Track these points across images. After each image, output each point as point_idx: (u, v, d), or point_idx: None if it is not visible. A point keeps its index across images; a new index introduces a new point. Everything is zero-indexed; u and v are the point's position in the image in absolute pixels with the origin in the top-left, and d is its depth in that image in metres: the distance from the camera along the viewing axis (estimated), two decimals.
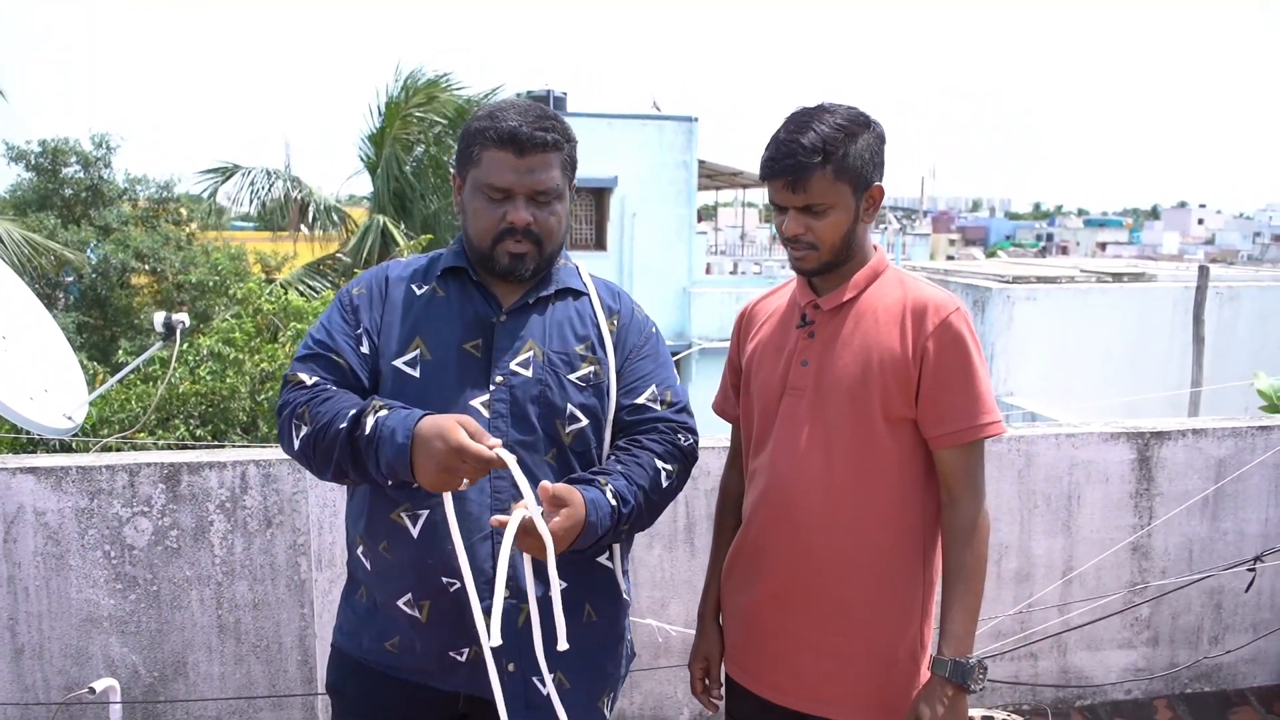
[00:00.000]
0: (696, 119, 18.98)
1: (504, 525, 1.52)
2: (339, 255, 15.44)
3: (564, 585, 1.63)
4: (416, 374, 1.73)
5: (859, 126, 1.74)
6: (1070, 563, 3.42)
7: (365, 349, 1.77)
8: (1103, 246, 58.84)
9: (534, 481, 1.70)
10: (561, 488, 1.60)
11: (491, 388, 1.72)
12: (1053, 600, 3.41)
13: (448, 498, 1.59)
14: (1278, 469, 3.52)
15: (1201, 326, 6.51)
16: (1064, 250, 58.99)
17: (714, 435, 2.89)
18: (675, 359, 2.06)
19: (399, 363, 1.74)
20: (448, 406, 1.70)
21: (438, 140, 15.50)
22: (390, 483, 1.64)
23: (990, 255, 39.99)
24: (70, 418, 3.29)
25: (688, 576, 3.19)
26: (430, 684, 1.76)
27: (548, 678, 1.64)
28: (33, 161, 17.65)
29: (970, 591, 1.74)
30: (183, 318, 3.32)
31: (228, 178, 15.48)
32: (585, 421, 1.77)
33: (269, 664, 3.04)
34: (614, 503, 1.67)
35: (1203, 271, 6.32)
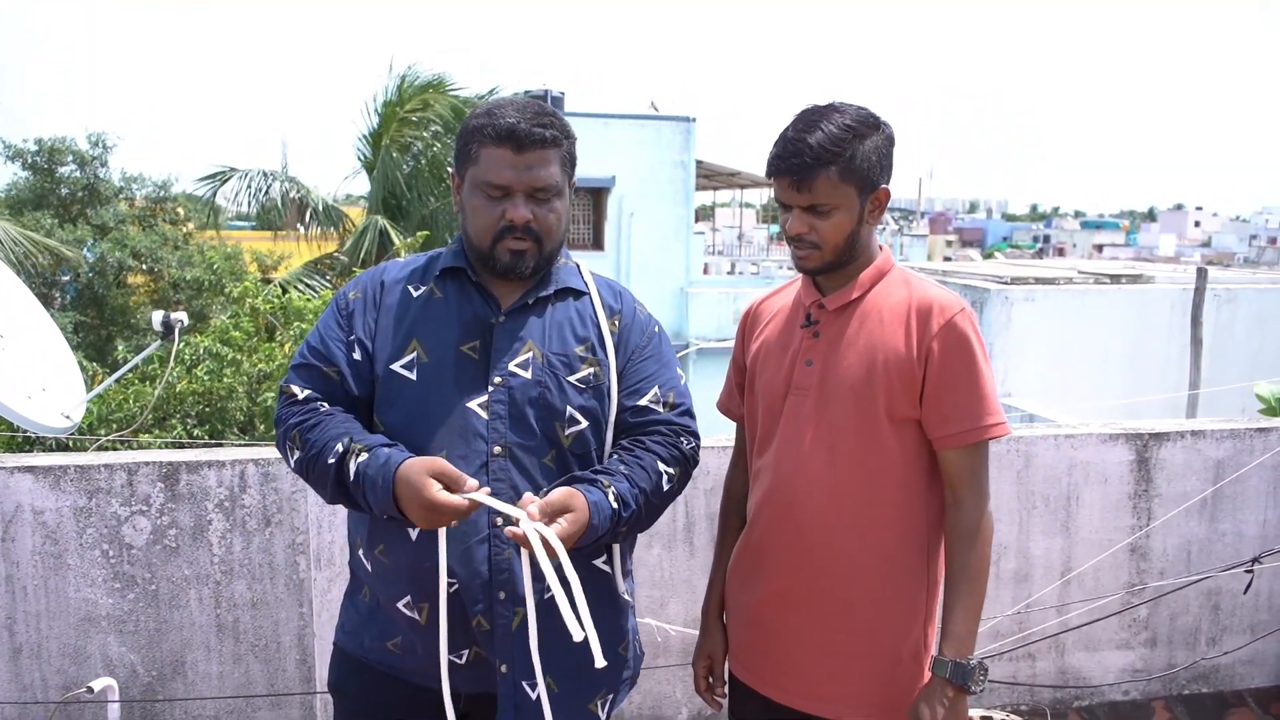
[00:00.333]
0: (694, 119, 19.00)
1: (517, 538, 1.52)
2: (336, 255, 15.43)
3: (548, 593, 1.61)
4: (413, 377, 1.72)
5: (868, 128, 1.73)
6: (1069, 563, 3.42)
7: (358, 356, 1.76)
8: (1099, 248, 58.91)
9: (534, 485, 1.70)
10: (559, 496, 1.59)
11: (490, 389, 1.71)
12: (1051, 601, 3.41)
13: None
14: (1276, 470, 3.52)
15: (1200, 329, 6.51)
16: (1060, 252, 59.07)
17: (713, 435, 2.89)
18: None
19: (396, 367, 1.73)
20: (446, 409, 1.69)
21: (435, 140, 15.48)
22: (386, 517, 1.66)
23: (987, 256, 40.05)
24: (68, 417, 3.28)
25: (687, 576, 3.19)
26: (431, 685, 1.76)
27: (540, 681, 1.63)
28: (29, 160, 17.61)
29: (973, 593, 1.74)
30: (181, 316, 3.32)
31: (224, 182, 15.46)
32: (585, 424, 1.76)
33: (267, 663, 3.04)
34: (615, 505, 1.66)
35: (1201, 273, 6.32)
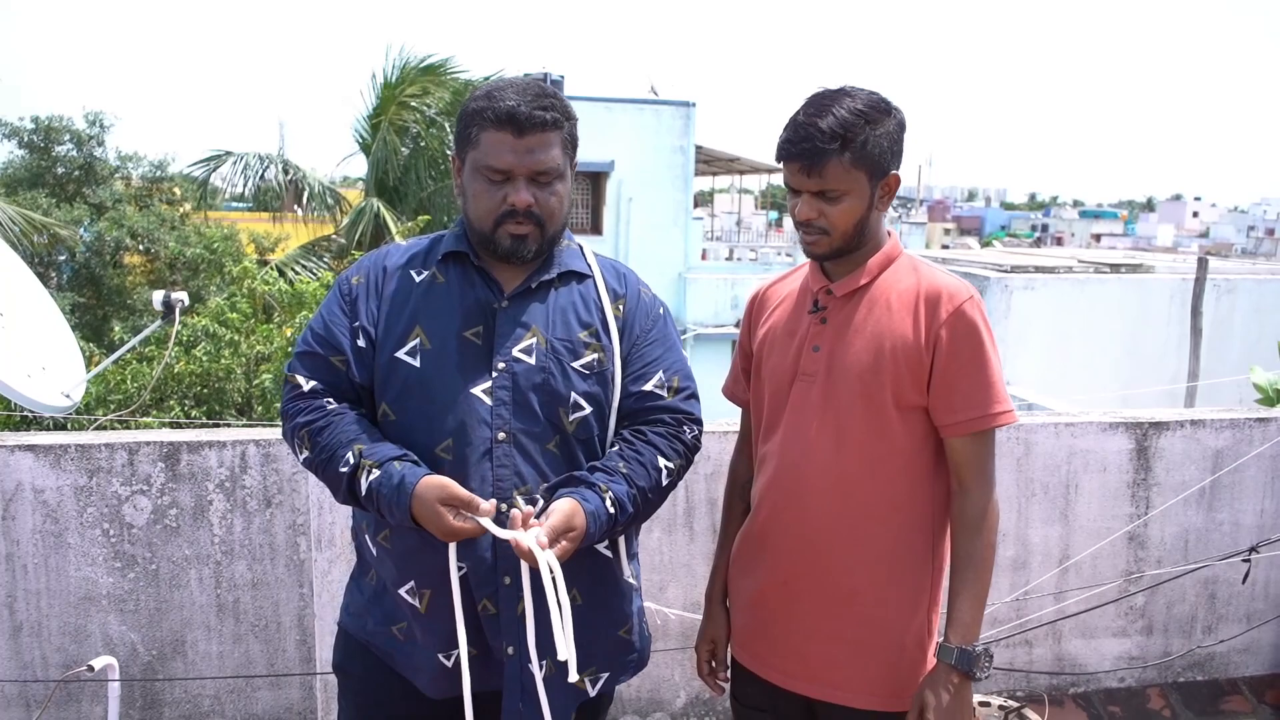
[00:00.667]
0: (694, 104, 18.92)
1: (522, 554, 1.56)
2: (333, 237, 15.38)
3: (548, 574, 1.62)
4: (417, 363, 1.71)
5: (880, 113, 1.72)
6: (1067, 551, 3.43)
7: (362, 343, 1.75)
8: (1097, 238, 58.89)
9: (537, 471, 1.69)
10: (563, 519, 1.60)
11: (494, 375, 1.70)
12: (1049, 588, 3.42)
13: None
14: (1274, 461, 3.53)
15: (1200, 318, 6.51)
16: (1059, 241, 59.05)
17: (715, 420, 2.89)
18: None
19: (400, 354, 1.72)
20: (450, 395, 1.69)
21: (433, 123, 15.42)
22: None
23: (985, 245, 40.03)
24: (68, 396, 3.28)
25: (686, 560, 3.19)
26: (419, 681, 1.77)
27: (536, 662, 1.65)
28: (25, 139, 17.53)
29: (978, 580, 1.74)
30: (182, 296, 3.31)
31: (220, 164, 15.40)
32: (589, 409, 1.75)
33: (267, 643, 3.05)
34: (611, 510, 1.67)
35: (1202, 263, 6.32)
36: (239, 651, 3.03)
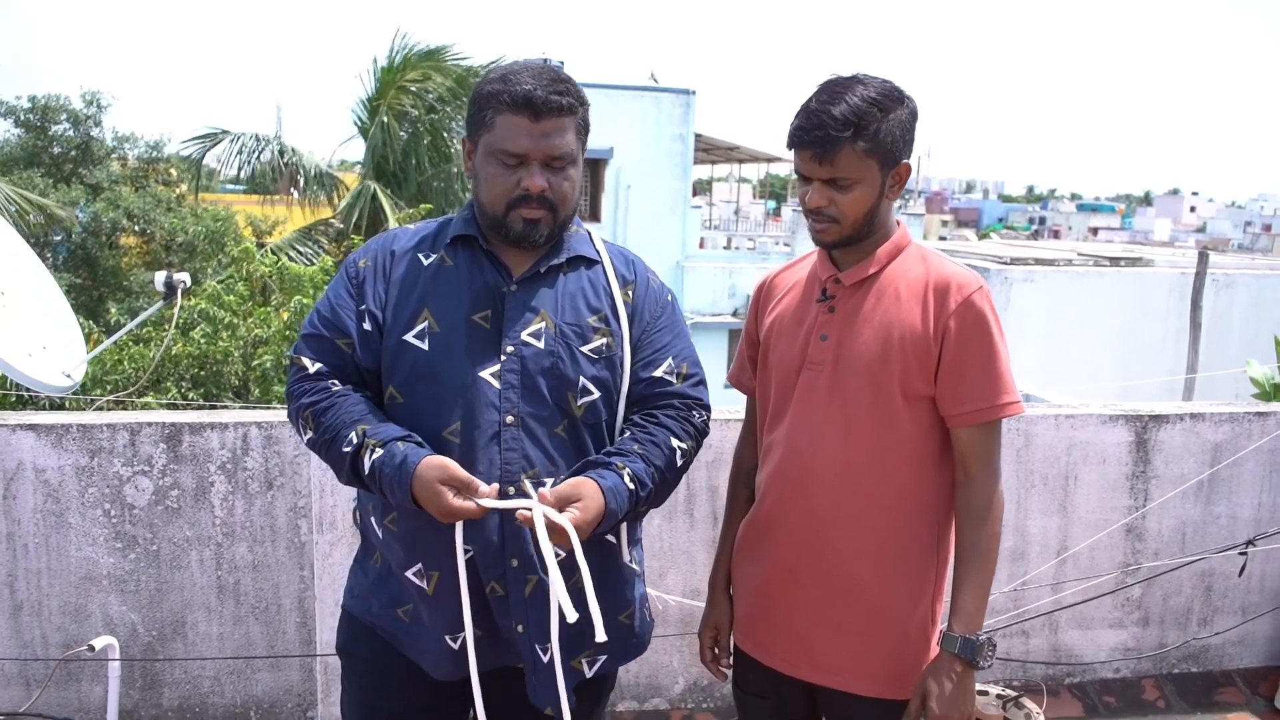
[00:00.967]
0: (694, 92, 18.87)
1: (527, 522, 1.56)
2: (331, 220, 15.33)
3: (560, 555, 1.62)
4: (425, 346, 1.71)
5: (892, 101, 1.71)
6: (1065, 542, 3.44)
7: (368, 327, 1.74)
8: (1095, 231, 58.95)
9: (545, 455, 1.70)
10: (567, 487, 1.61)
11: (502, 358, 1.70)
12: (1046, 579, 3.44)
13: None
14: (1272, 455, 3.55)
15: (1199, 312, 6.52)
16: (1056, 234, 59.09)
17: (716, 408, 2.89)
18: None
19: (408, 337, 1.72)
20: (458, 379, 1.69)
21: (433, 108, 15.35)
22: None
23: (983, 237, 40.06)
24: (69, 376, 3.27)
25: (686, 547, 3.20)
26: (424, 663, 1.77)
27: (555, 645, 1.65)
28: (21, 118, 17.42)
29: (983, 570, 1.75)
30: (184, 277, 3.30)
31: (216, 143, 15.29)
32: (597, 394, 1.75)
33: (268, 625, 3.05)
34: (631, 486, 1.67)
35: (1202, 257, 6.32)
36: (239, 633, 3.04)
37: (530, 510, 1.56)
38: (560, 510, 1.58)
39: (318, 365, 1.74)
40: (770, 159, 28.78)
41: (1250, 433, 3.52)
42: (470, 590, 1.68)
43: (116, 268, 16.14)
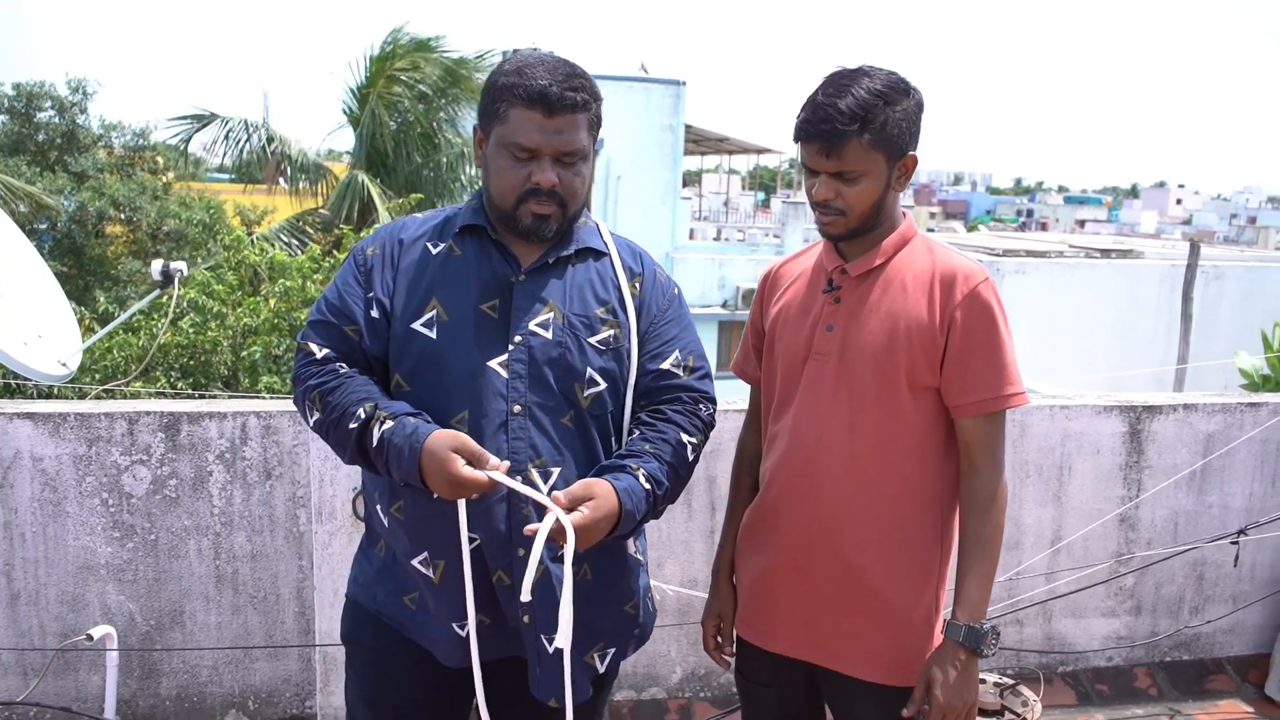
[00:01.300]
0: (684, 83, 18.85)
1: (535, 534, 1.56)
2: (320, 211, 15.26)
3: (564, 547, 1.63)
4: (433, 335, 1.71)
5: (898, 93, 1.72)
6: (1059, 532, 3.47)
7: (376, 314, 1.74)
8: (1082, 224, 59.23)
9: (552, 445, 1.70)
10: (578, 488, 1.61)
11: (510, 348, 1.70)
12: (1041, 569, 3.46)
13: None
14: (1264, 445, 3.58)
15: (1190, 304, 6.57)
16: (1044, 226, 59.31)
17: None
18: None
19: (416, 325, 1.72)
20: (465, 368, 1.69)
21: (424, 98, 15.28)
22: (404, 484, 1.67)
23: (971, 229, 40.20)
24: (65, 364, 3.25)
25: (684, 537, 3.21)
26: (433, 650, 1.77)
27: (565, 633, 1.65)
28: (6, 105, 17.26)
29: (987, 559, 1.76)
30: (181, 266, 3.28)
31: (204, 125, 15.15)
32: (604, 385, 1.75)
33: (266, 615, 3.05)
34: (648, 486, 1.67)
35: (1193, 249, 6.35)
36: (237, 622, 3.03)
37: (536, 495, 1.55)
38: (570, 510, 1.58)
39: (325, 350, 1.74)
40: (760, 150, 28.78)
41: (1242, 423, 3.55)
42: (477, 579, 1.69)
43: (103, 256, 16.02)
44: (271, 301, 7.92)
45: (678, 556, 3.21)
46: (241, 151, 15.25)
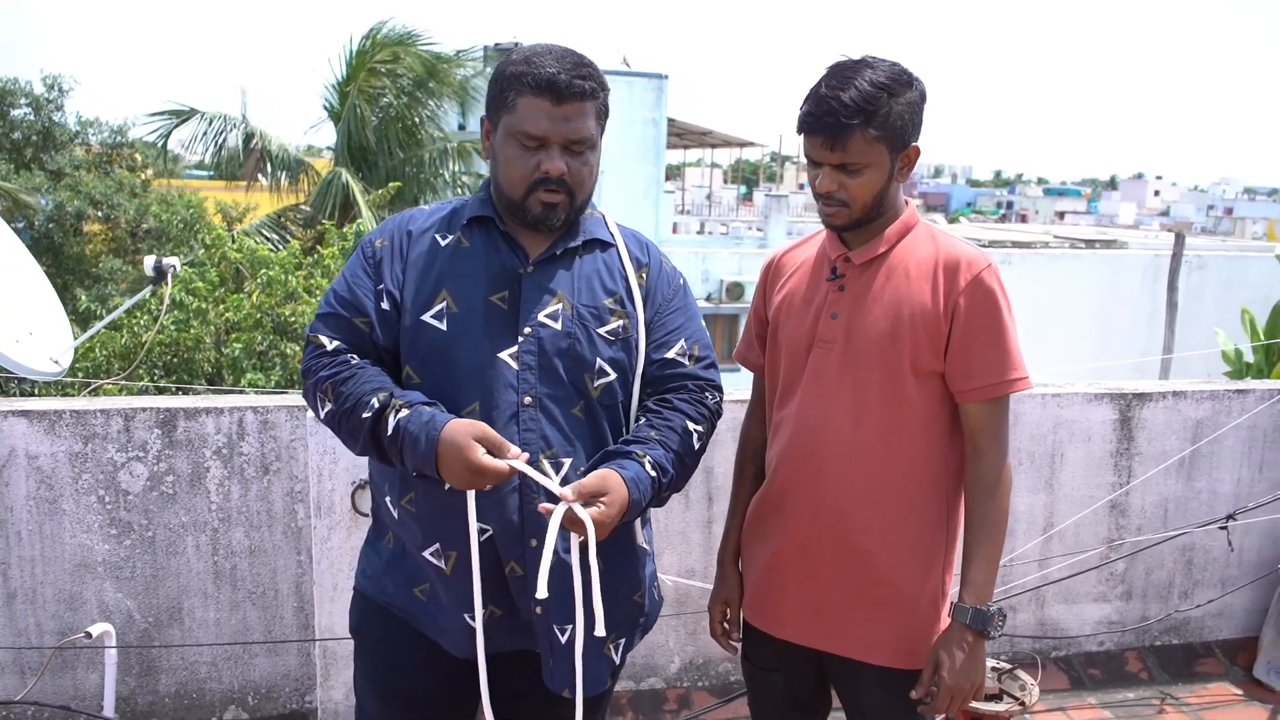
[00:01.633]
0: (667, 76, 18.87)
1: (549, 513, 1.56)
2: (301, 206, 15.17)
3: (581, 540, 1.64)
4: (443, 327, 1.71)
5: (901, 85, 1.73)
6: (1051, 519, 3.51)
7: (386, 306, 1.74)
8: (1061, 215, 59.64)
9: (563, 435, 1.71)
10: (594, 481, 1.61)
11: (520, 339, 1.71)
12: (1033, 555, 3.50)
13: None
14: (1251, 431, 3.63)
15: (1176, 293, 6.64)
16: (1023, 218, 59.70)
17: None
18: None
19: (426, 317, 1.72)
20: (476, 359, 1.69)
21: (405, 92, 15.21)
22: (416, 475, 1.67)
23: (952, 221, 40.40)
24: (57, 361, 3.24)
25: (681, 528, 3.22)
26: (442, 641, 1.78)
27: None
28: None
29: (992, 542, 1.78)
30: (174, 261, 3.27)
31: (183, 121, 15.00)
32: (613, 375, 1.76)
33: (265, 610, 3.04)
34: (653, 474, 1.68)
35: (1178, 239, 6.43)
36: (236, 618, 3.03)
37: (553, 486, 1.56)
38: (585, 506, 1.59)
39: (335, 342, 1.73)
40: (743, 143, 28.80)
41: (1230, 410, 3.60)
42: (489, 570, 1.69)
43: (81, 255, 15.86)
44: (255, 296, 7.87)
45: (675, 547, 3.22)
46: (221, 148, 15.14)
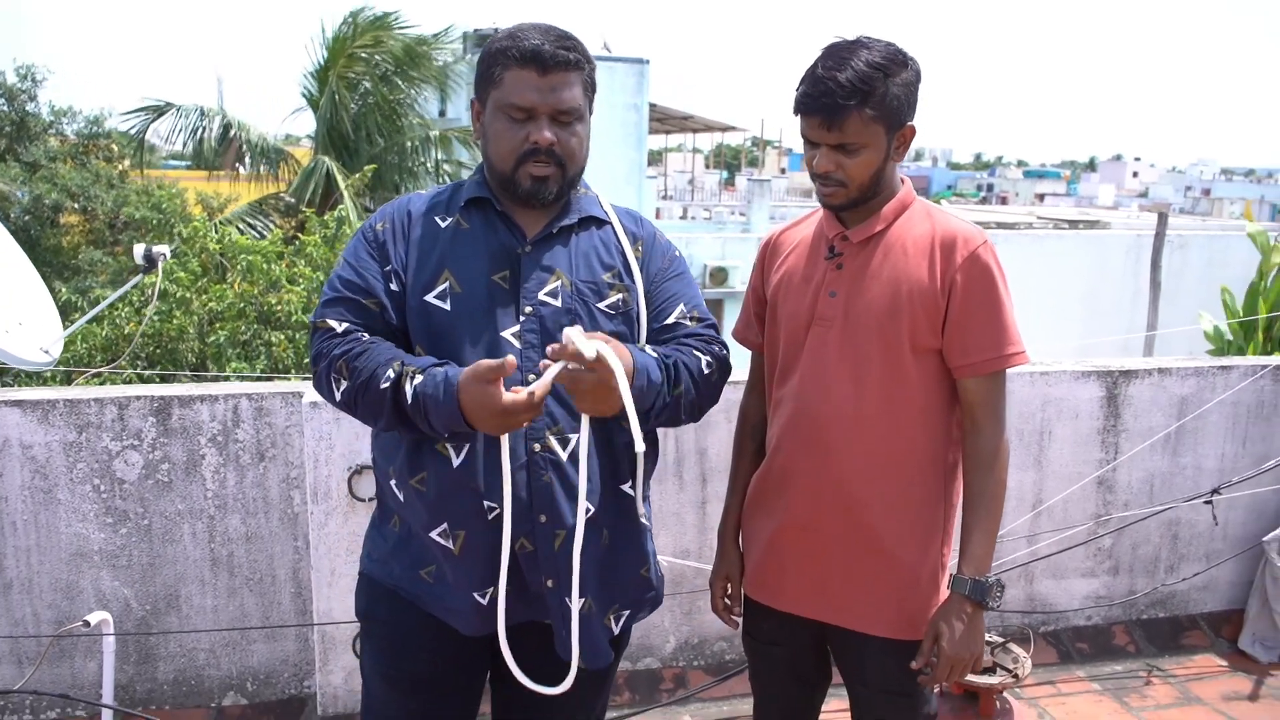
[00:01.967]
0: (648, 61, 18.80)
1: (559, 357, 1.57)
2: (282, 195, 15.07)
3: (589, 510, 1.66)
4: (447, 307, 1.72)
5: (897, 65, 1.75)
6: (1040, 496, 3.55)
7: (395, 287, 1.75)
8: (1041, 197, 59.95)
9: (569, 412, 1.72)
10: (591, 334, 1.62)
11: (521, 318, 1.73)
12: (1022, 532, 3.55)
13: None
14: (1235, 407, 3.68)
15: (1159, 272, 6.71)
16: (1004, 200, 59.97)
17: None
18: None
19: (429, 297, 1.73)
20: (480, 339, 1.71)
21: (384, 78, 15.11)
22: (447, 435, 1.67)
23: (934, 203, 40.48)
24: (47, 351, 3.22)
25: (675, 509, 3.25)
26: (450, 620, 1.79)
27: (576, 599, 1.68)
28: None
29: (990, 515, 1.81)
30: (164, 250, 3.25)
31: (159, 115, 14.87)
32: None
33: (262, 596, 3.05)
34: (656, 355, 1.72)
35: (1161, 219, 6.49)
36: (234, 605, 3.03)
37: (566, 343, 1.56)
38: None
39: (345, 324, 1.74)
40: (724, 128, 28.77)
41: (1214, 386, 3.65)
42: (497, 547, 1.71)
43: (59, 247, 15.70)
44: (236, 284, 7.83)
45: (669, 528, 3.25)
46: (200, 139, 15.01)
